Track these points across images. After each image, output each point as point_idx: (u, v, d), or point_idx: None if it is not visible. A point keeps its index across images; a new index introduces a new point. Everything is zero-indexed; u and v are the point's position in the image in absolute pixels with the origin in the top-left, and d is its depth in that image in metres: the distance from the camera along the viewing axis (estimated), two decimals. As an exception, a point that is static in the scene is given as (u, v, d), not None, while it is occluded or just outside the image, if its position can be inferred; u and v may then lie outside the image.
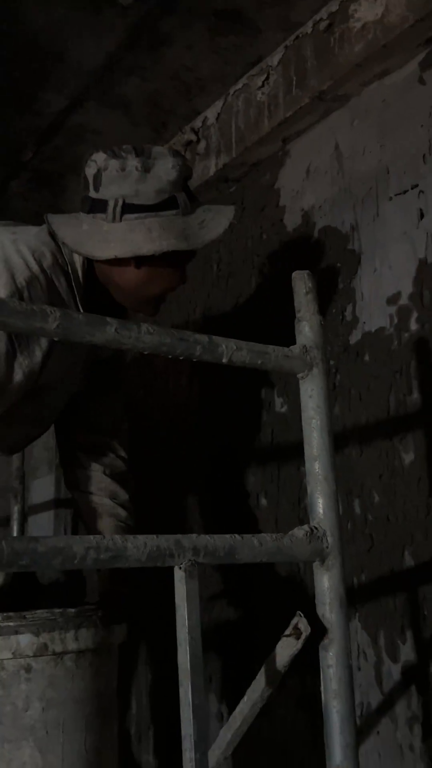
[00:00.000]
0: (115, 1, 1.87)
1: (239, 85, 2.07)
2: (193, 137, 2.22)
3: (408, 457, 1.59)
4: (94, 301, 1.49)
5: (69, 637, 1.31)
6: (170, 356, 0.97)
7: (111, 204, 1.38)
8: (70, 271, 1.44)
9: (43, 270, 1.39)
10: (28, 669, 1.30)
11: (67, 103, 2.19)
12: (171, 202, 1.40)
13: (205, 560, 0.91)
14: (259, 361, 1.05)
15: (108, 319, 0.89)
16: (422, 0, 1.58)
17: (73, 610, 1.36)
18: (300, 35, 1.88)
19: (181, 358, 0.97)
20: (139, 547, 0.85)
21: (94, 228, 1.40)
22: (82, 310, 1.44)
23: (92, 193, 1.41)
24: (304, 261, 1.91)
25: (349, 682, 1.02)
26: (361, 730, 1.59)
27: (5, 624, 1.31)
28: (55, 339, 0.85)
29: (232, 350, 1.01)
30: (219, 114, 2.14)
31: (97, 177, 1.40)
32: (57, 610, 1.35)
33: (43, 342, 1.38)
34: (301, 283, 1.14)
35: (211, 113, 2.17)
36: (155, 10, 1.90)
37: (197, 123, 2.22)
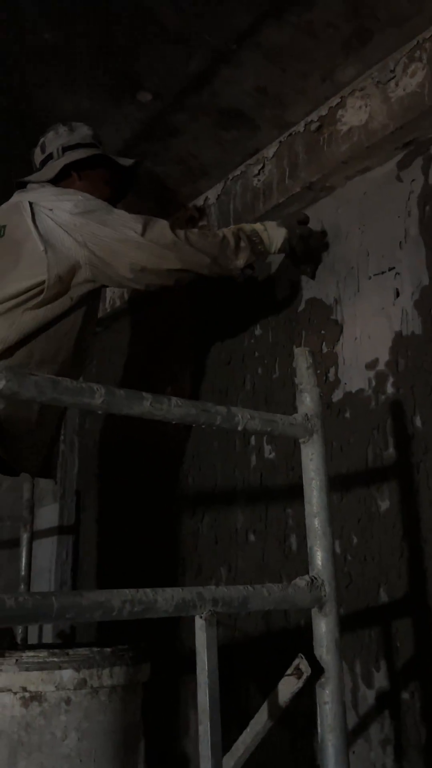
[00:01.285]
0: (135, 98, 1.91)
1: (237, 172, 2.11)
2: (195, 214, 2.25)
3: (384, 505, 1.60)
4: None
5: (105, 674, 1.31)
6: (194, 425, 0.97)
7: (54, 152, 1.83)
8: None
9: None
10: (68, 701, 1.28)
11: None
12: (94, 145, 1.86)
13: (222, 609, 0.90)
14: (269, 429, 1.06)
15: (144, 393, 0.90)
16: (402, 111, 1.63)
17: (108, 649, 1.35)
18: (293, 133, 1.93)
19: (203, 426, 0.98)
20: (167, 600, 0.85)
21: (47, 168, 1.83)
22: None
23: (41, 157, 1.85)
24: (291, 327, 1.94)
25: (342, 717, 1.01)
26: (339, 749, 1.57)
27: (51, 659, 1.29)
28: (99, 412, 0.85)
29: (246, 419, 1.02)
30: (219, 195, 2.17)
31: (42, 146, 1.85)
32: (95, 649, 1.34)
33: None
34: (303, 358, 1.16)
35: (212, 194, 2.20)
36: (168, 107, 1.94)
37: (199, 202, 2.25)
